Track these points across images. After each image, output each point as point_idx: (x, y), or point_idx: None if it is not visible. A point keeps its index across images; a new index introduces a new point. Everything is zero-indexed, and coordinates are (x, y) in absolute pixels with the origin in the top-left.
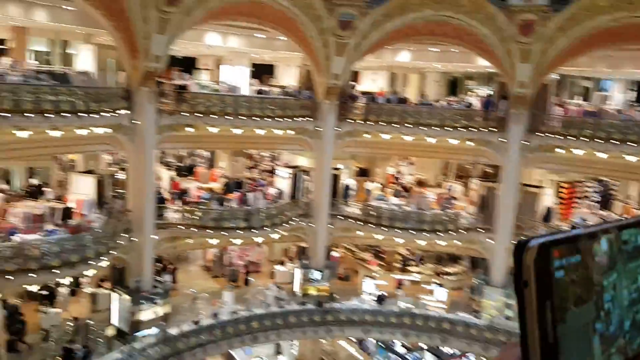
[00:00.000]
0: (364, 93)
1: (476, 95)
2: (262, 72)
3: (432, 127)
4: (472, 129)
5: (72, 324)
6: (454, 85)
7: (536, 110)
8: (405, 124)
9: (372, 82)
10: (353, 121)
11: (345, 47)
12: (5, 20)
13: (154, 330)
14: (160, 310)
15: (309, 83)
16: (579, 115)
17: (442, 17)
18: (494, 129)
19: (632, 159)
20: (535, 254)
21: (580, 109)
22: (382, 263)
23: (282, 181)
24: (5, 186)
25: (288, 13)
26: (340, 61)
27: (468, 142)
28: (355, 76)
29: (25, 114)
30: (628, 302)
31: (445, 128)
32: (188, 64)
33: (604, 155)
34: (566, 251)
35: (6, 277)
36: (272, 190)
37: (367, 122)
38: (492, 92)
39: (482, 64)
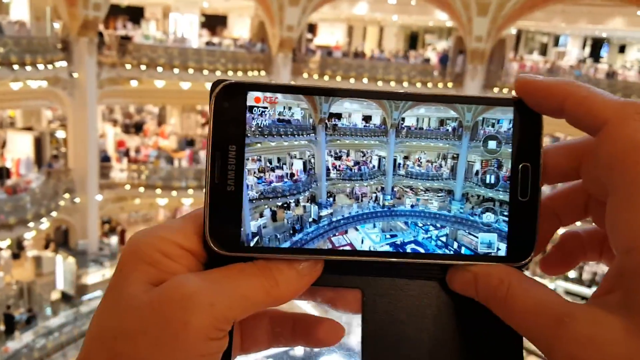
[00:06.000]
0: (320, 47)
1: (435, 50)
2: (213, 22)
3: (389, 83)
4: (429, 85)
5: (15, 288)
6: (414, 40)
7: (493, 66)
8: (362, 79)
9: (329, 35)
10: (308, 76)
11: None
12: None
13: (100, 293)
14: (108, 272)
15: (262, 35)
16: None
17: None
18: (451, 85)
19: None
20: (223, 90)
21: (535, 64)
22: None
23: None
24: None
25: None
26: (294, 12)
27: None
28: (312, 29)
29: None
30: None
31: (403, 83)
32: (135, 13)
33: None
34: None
35: None
36: None
37: (324, 77)
38: (449, 47)
39: (442, 17)
